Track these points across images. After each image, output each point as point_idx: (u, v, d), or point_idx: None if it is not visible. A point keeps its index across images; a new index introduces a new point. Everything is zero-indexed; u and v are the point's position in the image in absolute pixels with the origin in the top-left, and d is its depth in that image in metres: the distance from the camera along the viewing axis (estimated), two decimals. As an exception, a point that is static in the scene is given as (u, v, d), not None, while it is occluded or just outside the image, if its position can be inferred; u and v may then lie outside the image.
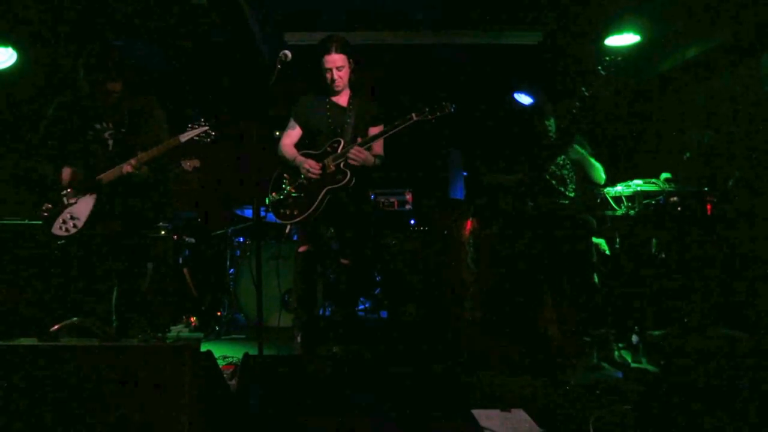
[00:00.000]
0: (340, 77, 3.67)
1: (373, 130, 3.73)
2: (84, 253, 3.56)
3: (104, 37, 5.08)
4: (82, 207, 3.54)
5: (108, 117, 3.61)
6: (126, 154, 3.53)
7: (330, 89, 3.72)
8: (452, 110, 3.52)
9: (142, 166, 3.52)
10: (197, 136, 3.50)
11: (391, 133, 3.59)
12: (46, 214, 3.55)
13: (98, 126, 3.61)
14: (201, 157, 4.23)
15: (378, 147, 3.76)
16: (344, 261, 3.76)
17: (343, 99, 3.78)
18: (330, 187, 3.62)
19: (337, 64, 3.64)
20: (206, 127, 3.50)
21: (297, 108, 3.83)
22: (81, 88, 3.57)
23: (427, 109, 3.53)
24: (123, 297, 3.64)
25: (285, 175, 3.77)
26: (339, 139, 3.65)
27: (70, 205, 3.55)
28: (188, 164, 4.10)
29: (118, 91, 3.56)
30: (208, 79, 6.43)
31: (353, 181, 3.61)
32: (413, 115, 3.54)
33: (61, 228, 3.52)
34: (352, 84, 3.80)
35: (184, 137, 3.49)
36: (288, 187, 3.71)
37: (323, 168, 3.62)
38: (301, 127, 3.82)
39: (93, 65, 3.47)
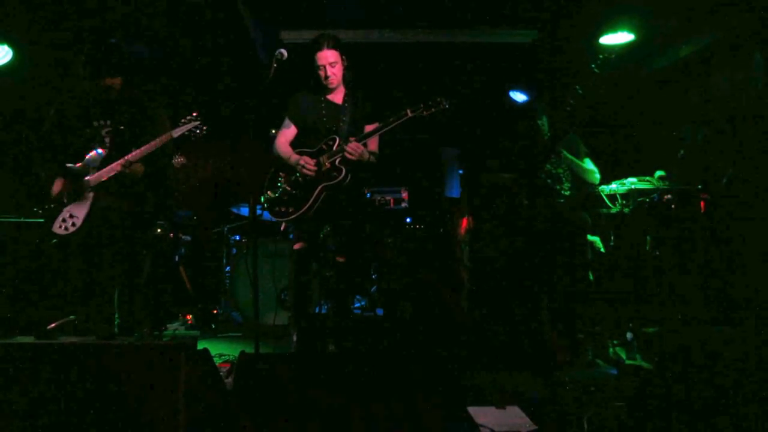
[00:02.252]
0: (334, 74, 3.65)
1: (369, 128, 3.72)
2: (84, 251, 3.57)
3: (103, 32, 5.06)
4: (81, 205, 3.55)
5: (106, 115, 3.61)
6: (125, 152, 3.53)
7: (324, 87, 3.72)
8: (447, 106, 3.51)
9: (134, 164, 3.51)
10: (189, 131, 3.50)
11: (386, 129, 3.58)
12: (43, 212, 3.56)
13: (96, 123, 3.61)
14: (198, 155, 4.22)
15: (373, 144, 3.75)
16: (339, 258, 3.77)
17: (338, 97, 3.78)
18: (325, 184, 3.62)
19: (330, 60, 3.62)
20: (198, 122, 3.49)
21: (292, 106, 3.83)
22: (80, 85, 3.58)
23: (422, 105, 3.51)
24: (125, 295, 3.65)
25: (280, 173, 3.77)
26: (334, 136, 3.65)
27: (69, 203, 3.56)
28: (175, 161, 4.08)
29: (117, 86, 3.55)
30: (204, 78, 6.42)
31: (348, 178, 3.61)
32: (408, 111, 3.52)
33: (60, 227, 3.53)
34: (347, 81, 3.79)
35: (176, 132, 3.49)
36: (284, 185, 3.71)
37: (318, 165, 3.62)
38: (296, 126, 3.81)
39: (92, 61, 3.47)
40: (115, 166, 3.51)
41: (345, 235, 3.74)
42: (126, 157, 3.48)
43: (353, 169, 3.64)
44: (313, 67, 3.66)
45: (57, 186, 3.59)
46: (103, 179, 3.55)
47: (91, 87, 3.54)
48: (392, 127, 3.57)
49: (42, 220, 3.58)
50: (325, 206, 3.65)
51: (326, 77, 3.64)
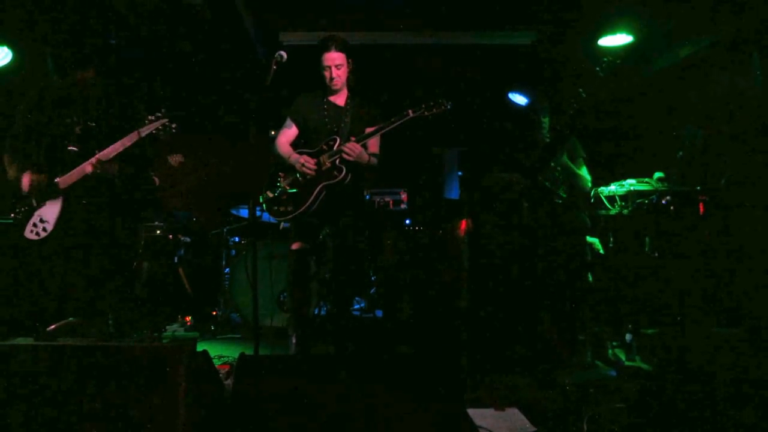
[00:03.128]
0: (339, 76, 3.67)
1: (370, 130, 3.73)
2: (64, 255, 3.51)
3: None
4: (51, 209, 3.49)
5: (78, 111, 3.54)
6: (91, 150, 3.46)
7: (328, 88, 3.72)
8: (448, 108, 3.53)
9: (106, 164, 3.45)
10: (158, 129, 3.43)
11: (388, 128, 3.58)
12: (18, 217, 3.50)
13: (68, 120, 3.54)
14: (197, 155, 4.18)
15: (374, 146, 3.75)
16: (343, 258, 3.77)
17: (340, 99, 3.79)
18: (325, 183, 3.62)
19: (336, 62, 3.64)
20: (165, 120, 3.43)
21: (294, 107, 3.84)
22: (51, 80, 3.51)
23: (423, 106, 3.53)
24: (115, 297, 3.62)
25: (280, 173, 3.77)
26: (335, 136, 3.66)
27: (39, 207, 3.50)
28: (173, 159, 4.04)
29: (90, 80, 3.50)
30: (203, 80, 6.42)
31: (349, 177, 3.62)
32: (409, 111, 3.54)
33: (32, 232, 3.46)
34: (351, 84, 3.80)
35: (144, 131, 3.42)
36: (283, 185, 3.72)
37: (318, 164, 3.63)
38: (298, 126, 3.82)
39: (62, 53, 3.42)
40: (85, 167, 3.44)
41: (344, 236, 3.74)
42: (96, 157, 3.42)
43: (354, 169, 3.65)
44: (319, 68, 3.68)
45: (26, 180, 3.50)
46: (72, 181, 3.49)
47: (62, 81, 3.48)
48: (394, 127, 3.58)
49: (11, 221, 3.51)
50: (324, 206, 3.66)
51: (331, 78, 3.66)
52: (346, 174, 3.61)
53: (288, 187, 3.69)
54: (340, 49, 3.63)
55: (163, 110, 3.45)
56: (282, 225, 4.48)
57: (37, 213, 3.49)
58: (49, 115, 3.53)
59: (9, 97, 4.99)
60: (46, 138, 3.54)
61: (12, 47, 4.63)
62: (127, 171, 3.64)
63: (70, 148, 3.51)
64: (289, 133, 3.84)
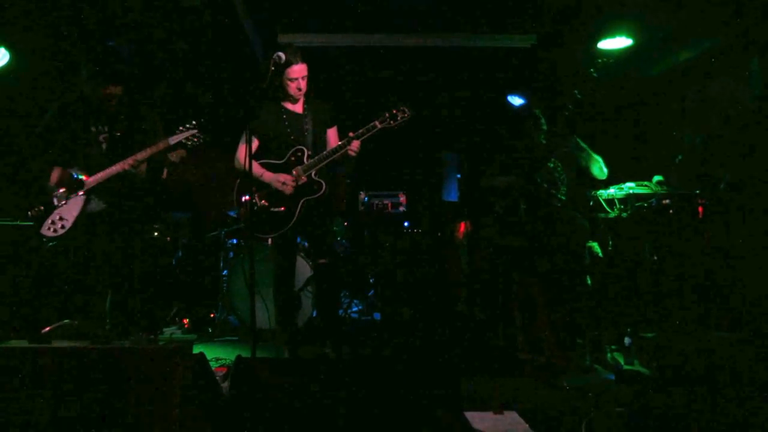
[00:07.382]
0: (304, 86, 3.74)
1: (330, 131, 3.85)
2: (76, 254, 3.60)
3: (105, 40, 5.12)
4: (71, 208, 3.60)
5: (104, 120, 3.70)
6: (118, 157, 3.62)
7: (290, 97, 3.76)
8: (408, 114, 3.62)
9: (141, 164, 3.63)
10: (186, 138, 3.60)
11: (361, 138, 3.65)
12: (35, 214, 3.61)
13: (93, 129, 3.69)
14: (195, 158, 4.23)
15: (334, 140, 3.84)
16: (321, 261, 3.83)
17: (298, 106, 3.84)
18: (307, 198, 3.69)
19: (303, 73, 3.71)
20: (195, 131, 3.59)
21: (253, 119, 3.83)
22: (82, 90, 3.68)
23: (387, 115, 3.64)
24: (118, 298, 3.67)
25: (254, 190, 3.78)
26: (301, 147, 3.72)
27: (60, 206, 3.61)
28: (174, 155, 4.09)
29: (118, 94, 3.66)
30: (202, 81, 6.42)
31: (327, 190, 3.70)
32: (376, 122, 3.63)
33: (49, 229, 3.58)
34: (307, 90, 3.85)
35: (173, 139, 3.60)
36: (262, 203, 3.73)
37: (295, 180, 3.69)
38: (258, 138, 3.83)
39: (97, 68, 3.59)
40: (125, 164, 3.59)
41: (320, 238, 3.83)
42: (134, 157, 3.58)
43: (329, 180, 3.74)
44: (282, 80, 3.70)
45: (55, 175, 3.65)
46: (99, 181, 3.62)
47: (92, 93, 3.65)
48: (364, 138, 3.65)
49: (31, 223, 3.64)
50: (305, 217, 3.73)
51: (299, 89, 3.72)
52: (326, 188, 3.70)
53: (266, 204, 3.71)
54: (304, 60, 3.69)
55: (193, 122, 3.62)
56: (270, 240, 4.53)
57: (56, 211, 3.61)
58: (75, 122, 3.69)
59: (7, 97, 5.00)
60: (72, 143, 3.70)
61: (9, 49, 4.62)
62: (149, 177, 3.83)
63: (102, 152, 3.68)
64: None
